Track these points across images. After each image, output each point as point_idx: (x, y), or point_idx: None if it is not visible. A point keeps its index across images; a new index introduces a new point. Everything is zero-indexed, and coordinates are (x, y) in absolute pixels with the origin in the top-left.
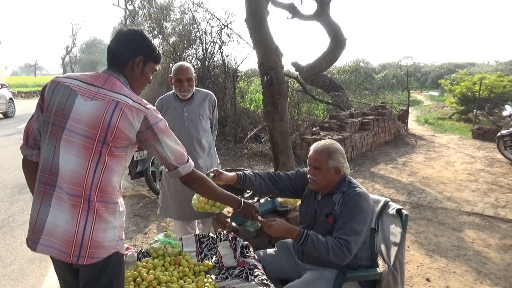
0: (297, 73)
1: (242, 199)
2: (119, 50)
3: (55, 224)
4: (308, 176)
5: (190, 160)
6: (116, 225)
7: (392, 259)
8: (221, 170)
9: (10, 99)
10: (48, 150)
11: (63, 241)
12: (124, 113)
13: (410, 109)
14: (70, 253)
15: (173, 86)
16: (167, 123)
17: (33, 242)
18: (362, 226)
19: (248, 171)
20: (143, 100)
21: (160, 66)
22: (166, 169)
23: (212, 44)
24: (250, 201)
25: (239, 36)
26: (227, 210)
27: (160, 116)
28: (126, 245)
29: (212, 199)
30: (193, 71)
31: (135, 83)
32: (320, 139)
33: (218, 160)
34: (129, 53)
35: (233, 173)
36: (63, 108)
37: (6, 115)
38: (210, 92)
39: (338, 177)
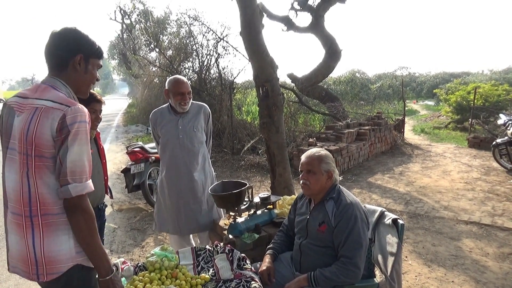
0: (293, 84)
1: (114, 271)
2: (56, 52)
3: (12, 245)
4: (301, 182)
5: (90, 183)
6: (71, 236)
7: (389, 269)
8: (268, 265)
9: None
10: (2, 172)
11: (21, 261)
12: (41, 118)
13: (406, 119)
14: (29, 272)
15: (171, 100)
16: (88, 131)
17: (9, 264)
18: (363, 235)
19: (271, 249)
20: (71, 99)
21: (157, 78)
22: (58, 185)
23: (208, 57)
24: (247, 213)
25: (235, 48)
26: (224, 222)
27: (84, 118)
28: (122, 259)
29: (84, 246)
30: None
31: (81, 84)
32: None
33: (214, 173)
34: (67, 53)
35: (267, 261)
36: (7, 128)
37: None
38: (204, 104)
39: (330, 182)
